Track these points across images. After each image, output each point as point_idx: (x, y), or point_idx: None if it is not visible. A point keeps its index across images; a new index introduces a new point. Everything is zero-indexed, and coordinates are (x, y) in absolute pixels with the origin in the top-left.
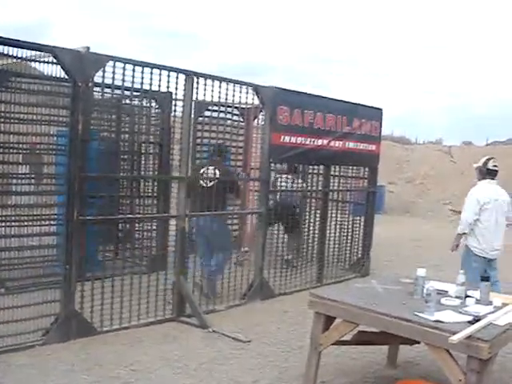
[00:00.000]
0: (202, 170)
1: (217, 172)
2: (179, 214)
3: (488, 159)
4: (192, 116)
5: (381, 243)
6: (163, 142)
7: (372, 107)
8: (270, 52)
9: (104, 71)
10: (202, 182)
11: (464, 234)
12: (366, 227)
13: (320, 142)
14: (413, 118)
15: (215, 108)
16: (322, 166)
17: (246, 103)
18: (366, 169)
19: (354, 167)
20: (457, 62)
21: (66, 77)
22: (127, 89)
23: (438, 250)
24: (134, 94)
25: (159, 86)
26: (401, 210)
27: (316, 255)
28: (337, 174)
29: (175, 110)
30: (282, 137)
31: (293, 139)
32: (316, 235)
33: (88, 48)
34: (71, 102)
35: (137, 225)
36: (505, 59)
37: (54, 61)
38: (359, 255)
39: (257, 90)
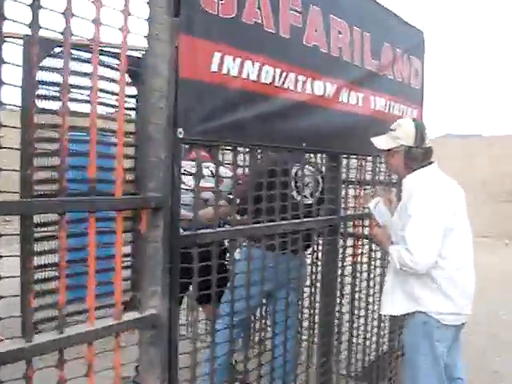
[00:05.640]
0: None
1: None
2: None
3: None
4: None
5: None
6: None
7: (412, 25)
8: None
9: None
10: None
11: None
12: None
13: (317, 85)
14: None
15: (75, 51)
16: (321, 155)
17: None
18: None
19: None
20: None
21: None
22: None
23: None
24: None
25: None
26: None
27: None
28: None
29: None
30: (213, 54)
31: (241, 69)
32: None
33: None
34: None
35: None
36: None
37: None
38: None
39: None
